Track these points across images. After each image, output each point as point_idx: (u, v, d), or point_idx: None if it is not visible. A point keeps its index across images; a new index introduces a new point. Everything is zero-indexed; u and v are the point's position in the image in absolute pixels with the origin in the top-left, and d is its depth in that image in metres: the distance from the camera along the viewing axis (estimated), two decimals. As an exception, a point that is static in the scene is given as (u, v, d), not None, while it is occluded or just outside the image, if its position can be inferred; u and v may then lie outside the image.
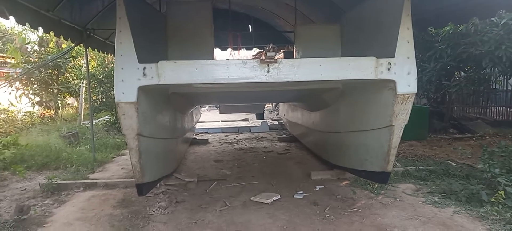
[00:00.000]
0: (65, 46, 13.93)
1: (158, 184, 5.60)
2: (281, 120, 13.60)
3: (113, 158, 8.39)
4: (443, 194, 5.30)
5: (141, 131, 4.07)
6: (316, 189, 5.76)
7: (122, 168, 7.37)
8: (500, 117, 12.95)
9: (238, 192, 5.71)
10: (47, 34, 6.03)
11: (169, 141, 5.82)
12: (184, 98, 6.09)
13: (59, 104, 13.88)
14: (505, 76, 11.65)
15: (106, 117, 12.56)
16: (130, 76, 3.78)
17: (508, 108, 12.91)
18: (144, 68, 3.80)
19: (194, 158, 8.48)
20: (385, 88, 4.29)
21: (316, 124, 7.21)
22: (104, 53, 9.62)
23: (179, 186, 6.01)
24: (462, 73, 10.64)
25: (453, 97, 11.63)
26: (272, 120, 14.51)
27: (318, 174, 6.41)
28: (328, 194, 5.50)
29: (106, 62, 13.02)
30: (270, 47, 3.77)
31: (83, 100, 13.59)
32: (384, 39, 4.45)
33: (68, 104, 15.77)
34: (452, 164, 6.93)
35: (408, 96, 4.11)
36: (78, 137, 9.91)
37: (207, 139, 10.78)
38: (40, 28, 5.42)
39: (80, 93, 13.63)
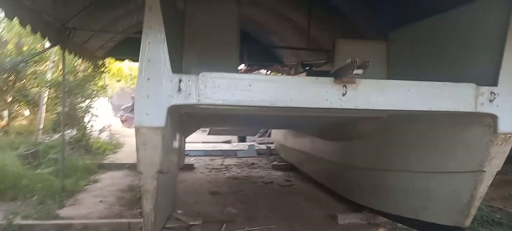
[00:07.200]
0: (26, 48, 12.13)
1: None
2: (270, 143, 12.57)
3: (85, 186, 6.89)
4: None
5: (162, 167, 2.90)
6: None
7: (100, 201, 5.94)
8: None
9: (259, 242, 4.59)
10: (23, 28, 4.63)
11: (174, 174, 4.60)
12: (194, 121, 4.91)
13: (13, 115, 11.95)
14: None
15: (72, 130, 10.82)
16: (159, 92, 2.62)
17: None
18: (180, 81, 2.66)
19: (184, 187, 7.20)
20: (473, 123, 3.43)
21: (337, 155, 6.24)
22: (76, 57, 8.17)
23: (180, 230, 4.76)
24: None
25: None
26: (258, 144, 13.41)
27: (346, 217, 5.43)
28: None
29: (80, 68, 11.36)
30: (357, 61, 2.74)
31: (44, 112, 11.77)
32: (464, 60, 3.63)
33: (23, 115, 13.73)
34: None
35: (510, 136, 3.27)
36: (39, 156, 8.27)
37: (193, 164, 9.51)
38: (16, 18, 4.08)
39: (41, 103, 11.79)
